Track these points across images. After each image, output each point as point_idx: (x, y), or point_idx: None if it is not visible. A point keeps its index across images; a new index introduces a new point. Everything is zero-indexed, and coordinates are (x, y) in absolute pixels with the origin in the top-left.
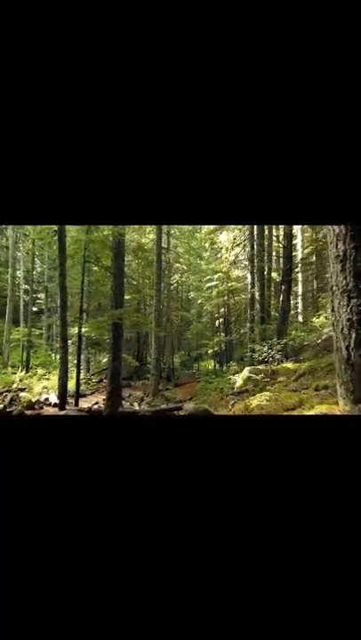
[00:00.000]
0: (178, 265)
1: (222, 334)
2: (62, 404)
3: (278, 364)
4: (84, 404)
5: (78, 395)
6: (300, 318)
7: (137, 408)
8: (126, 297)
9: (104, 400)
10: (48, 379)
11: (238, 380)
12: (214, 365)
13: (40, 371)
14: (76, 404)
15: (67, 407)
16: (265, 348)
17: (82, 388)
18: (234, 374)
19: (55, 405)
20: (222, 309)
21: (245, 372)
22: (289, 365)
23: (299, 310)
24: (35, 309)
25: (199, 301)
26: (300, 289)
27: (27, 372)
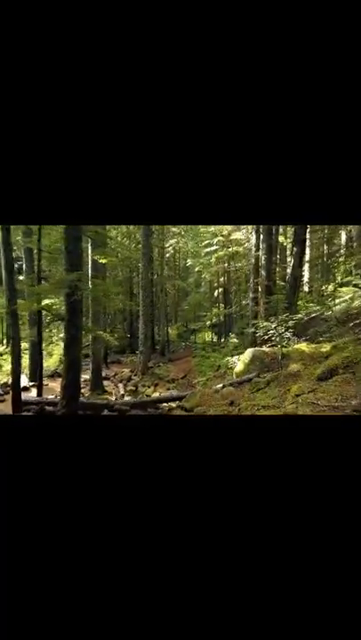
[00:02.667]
0: (174, 229)
1: (221, 305)
2: (16, 397)
3: (287, 344)
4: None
5: (41, 382)
6: (306, 288)
7: (113, 398)
8: (102, 261)
9: (84, 381)
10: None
11: (238, 363)
12: (212, 338)
13: (25, 344)
14: (39, 394)
15: (24, 397)
16: (272, 325)
17: (63, 366)
18: (233, 350)
19: (25, 389)
20: (222, 278)
21: (247, 354)
22: (303, 347)
23: (305, 279)
24: (21, 278)
25: (197, 269)
26: (307, 254)
27: (7, 347)
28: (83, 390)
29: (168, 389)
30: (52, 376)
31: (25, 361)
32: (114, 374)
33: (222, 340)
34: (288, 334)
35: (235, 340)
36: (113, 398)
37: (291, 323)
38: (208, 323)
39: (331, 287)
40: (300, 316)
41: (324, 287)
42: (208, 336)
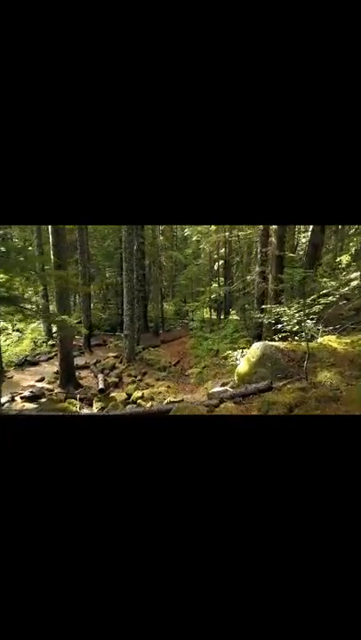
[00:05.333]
0: None
1: (222, 280)
2: None
3: (308, 333)
4: (30, 376)
5: None
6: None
7: (77, 407)
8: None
9: (55, 373)
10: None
11: (243, 361)
12: (210, 314)
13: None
14: None
15: None
16: (291, 311)
17: (41, 349)
18: (234, 332)
19: None
20: (223, 249)
21: (255, 350)
22: (332, 342)
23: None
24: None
25: (194, 238)
26: None
27: None
28: (51, 386)
29: (158, 379)
30: (22, 365)
31: None
32: (95, 361)
33: (222, 317)
34: (309, 322)
35: (235, 317)
36: (77, 409)
37: (317, 308)
38: (206, 299)
39: (345, 259)
40: (332, 298)
41: (338, 259)
42: (206, 312)
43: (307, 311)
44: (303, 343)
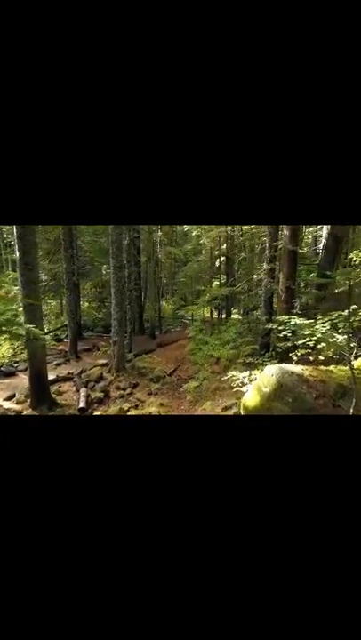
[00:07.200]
0: None
1: (223, 277)
2: None
3: (349, 359)
4: (0, 391)
5: None
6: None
7: None
8: None
9: (28, 388)
10: None
11: (252, 391)
12: (211, 314)
13: None
14: None
15: None
16: (319, 325)
17: (21, 356)
18: (237, 336)
19: None
20: (224, 245)
21: (268, 377)
22: None
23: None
24: None
25: (195, 233)
26: None
27: None
28: (20, 406)
29: (150, 393)
30: None
31: None
32: (80, 371)
33: (223, 316)
34: (339, 337)
35: (237, 324)
36: None
37: (356, 320)
38: (207, 297)
39: (358, 255)
40: None
41: (350, 256)
42: (207, 312)
43: (344, 323)
44: (333, 368)
